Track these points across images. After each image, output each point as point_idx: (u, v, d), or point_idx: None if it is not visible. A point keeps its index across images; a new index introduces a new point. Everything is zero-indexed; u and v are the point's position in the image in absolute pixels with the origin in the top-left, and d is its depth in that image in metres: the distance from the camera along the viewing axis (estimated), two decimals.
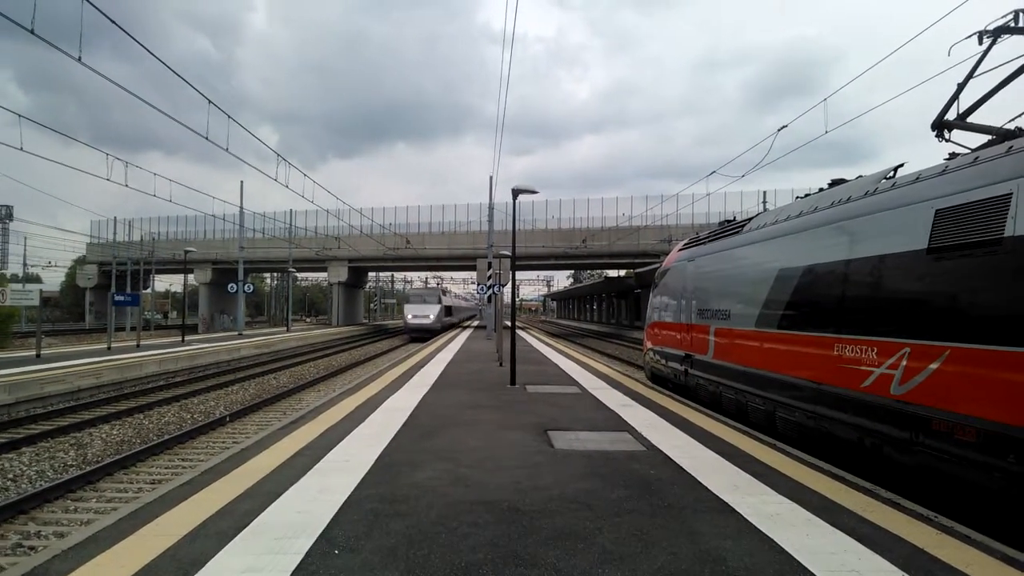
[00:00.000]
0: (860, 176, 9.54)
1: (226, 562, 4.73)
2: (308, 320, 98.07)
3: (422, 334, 48.81)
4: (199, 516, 5.73)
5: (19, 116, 13.18)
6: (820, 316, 8.84)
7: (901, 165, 8.35)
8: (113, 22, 8.77)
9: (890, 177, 8.32)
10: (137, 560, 4.72)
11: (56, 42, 8.68)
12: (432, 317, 50.57)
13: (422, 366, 20.75)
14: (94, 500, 9.00)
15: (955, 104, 8.28)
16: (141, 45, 9.52)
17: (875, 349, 7.52)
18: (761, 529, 5.50)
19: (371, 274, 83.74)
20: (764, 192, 45.60)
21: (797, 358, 9.34)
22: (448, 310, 60.67)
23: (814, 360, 8.82)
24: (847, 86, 13.12)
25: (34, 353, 24.02)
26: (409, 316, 51.32)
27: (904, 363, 6.98)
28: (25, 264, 62.66)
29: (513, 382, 15.63)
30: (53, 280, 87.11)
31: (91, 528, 5.49)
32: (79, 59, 8.87)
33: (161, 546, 5.00)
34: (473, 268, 58.24)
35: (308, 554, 4.88)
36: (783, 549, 5.04)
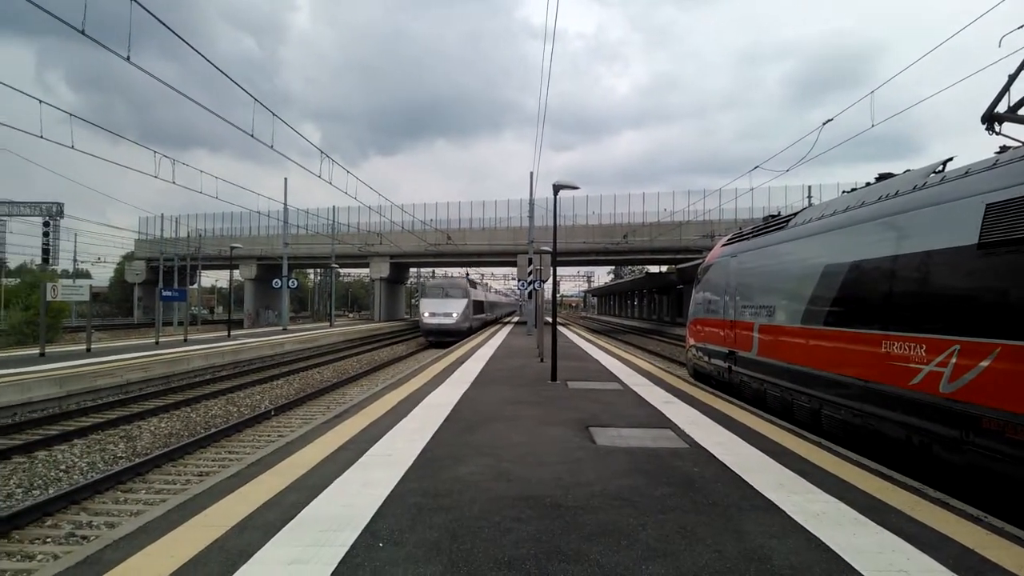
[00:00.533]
0: (908, 170, 9.35)
1: (273, 554, 4.83)
2: (351, 315, 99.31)
3: (443, 337, 38.20)
4: (246, 508, 5.87)
5: (70, 115, 13.53)
6: (867, 313, 8.69)
7: (950, 159, 8.17)
8: (161, 22, 8.97)
9: (939, 171, 8.15)
10: (186, 550, 4.85)
11: (105, 42, 8.90)
12: (456, 315, 39.22)
13: (463, 362, 20.87)
14: (143, 491, 9.26)
15: (1006, 96, 8.06)
16: (189, 45, 9.73)
17: (924, 346, 7.37)
18: (807, 527, 5.45)
19: (412, 270, 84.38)
20: (809, 187, 44.77)
21: (843, 355, 9.19)
22: (478, 306, 48.75)
23: (861, 357, 8.67)
24: (894, 79, 12.85)
25: (84, 347, 24.77)
26: (426, 314, 40.03)
27: (953, 360, 6.83)
28: (75, 260, 64.39)
29: (554, 378, 15.63)
30: (102, 276, 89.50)
31: (141, 519, 5.64)
32: (127, 58, 9.09)
33: (209, 537, 5.13)
34: (514, 264, 58.37)
35: (353, 547, 4.96)
36: (829, 548, 4.99)
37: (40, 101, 12.17)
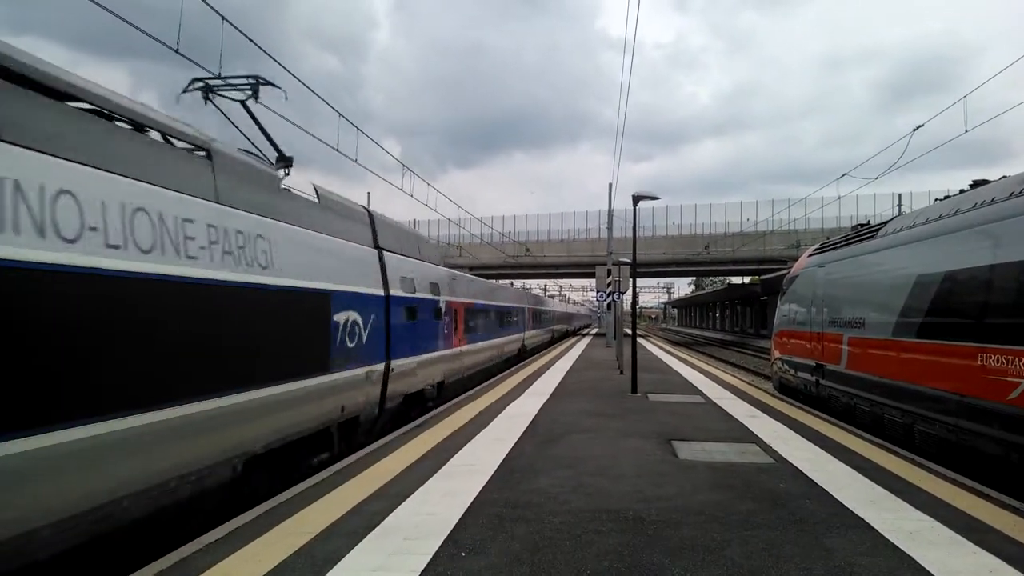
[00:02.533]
0: (1004, 176, 8.96)
1: (357, 561, 4.99)
2: None
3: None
4: (331, 515, 6.08)
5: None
6: (962, 324, 8.38)
7: None
8: (252, 41, 9.43)
9: None
10: (274, 556, 5.06)
11: (195, 62, 9.32)
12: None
13: (541, 374, 20.97)
14: None
15: None
16: (278, 63, 10.16)
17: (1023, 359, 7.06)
18: (899, 546, 5.31)
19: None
20: (899, 195, 43.07)
21: (937, 369, 8.87)
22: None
23: (956, 371, 8.35)
24: (987, 83, 12.35)
25: None
26: None
27: None
28: None
29: (635, 390, 15.54)
30: None
31: (231, 524, 5.88)
32: (219, 76, 9.57)
33: (296, 543, 5.34)
34: (592, 275, 58.18)
35: (436, 555, 5.08)
36: (923, 568, 4.86)
37: None
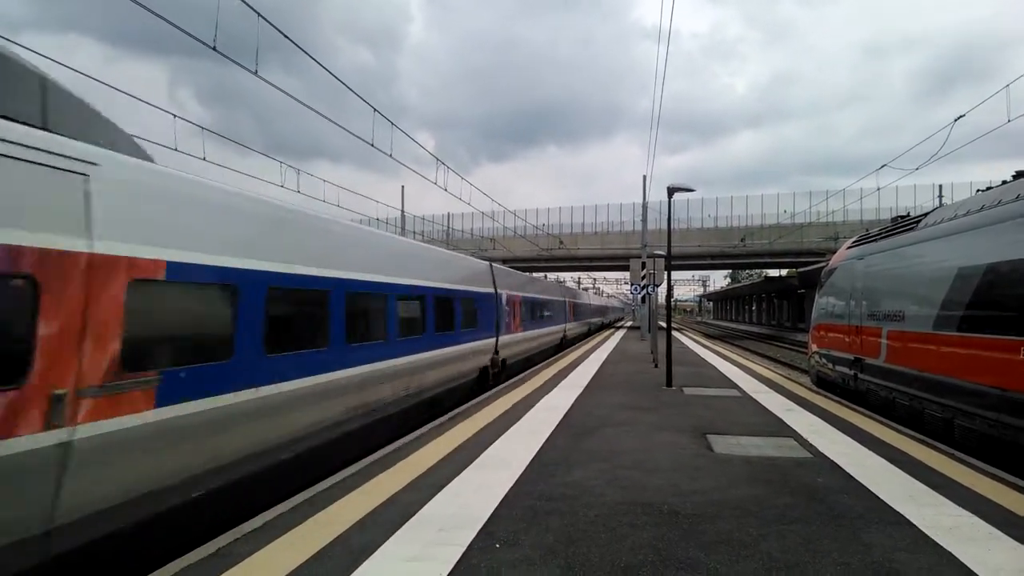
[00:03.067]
0: None
1: (393, 551, 5.08)
2: None
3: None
4: (367, 506, 6.19)
5: (202, 128, 14.35)
6: (1006, 317, 8.23)
7: None
8: (287, 37, 9.55)
9: None
10: (311, 545, 5.17)
11: (231, 58, 9.48)
12: None
13: (575, 367, 20.98)
14: None
15: None
16: (313, 59, 10.28)
17: None
18: (939, 542, 5.27)
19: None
20: (940, 186, 42.09)
21: (979, 363, 8.72)
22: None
23: (999, 365, 8.21)
24: None
25: None
26: None
27: None
28: None
29: (669, 384, 15.51)
30: None
31: (269, 513, 6.01)
32: (255, 73, 9.69)
33: (333, 532, 5.46)
34: (626, 268, 57.92)
35: (470, 547, 5.15)
36: (963, 564, 4.83)
37: (175, 116, 13.02)
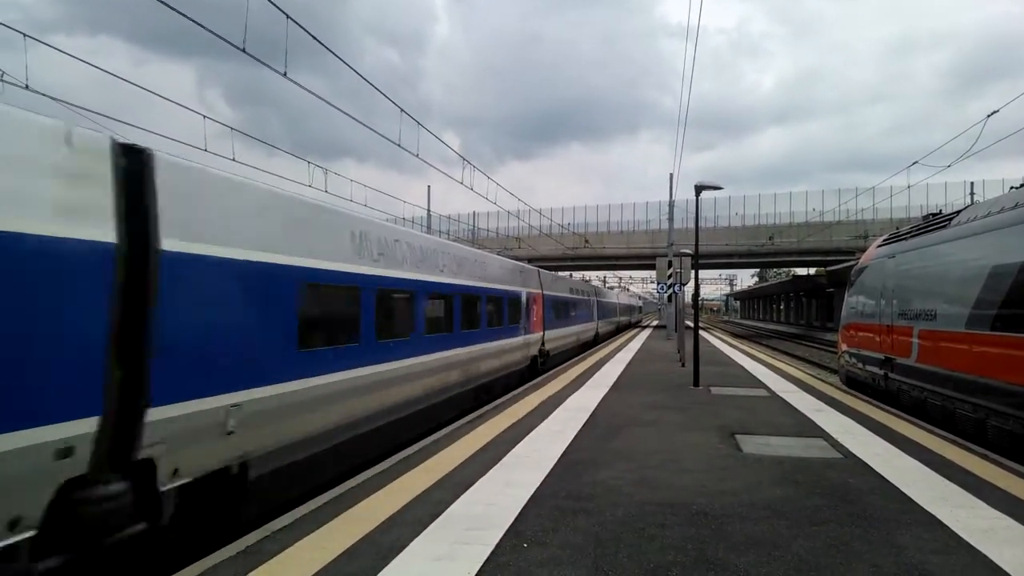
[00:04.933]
0: None
1: (421, 549, 5.10)
2: None
3: None
4: (395, 504, 6.22)
5: (231, 129, 14.49)
6: None
7: None
8: (315, 39, 9.63)
9: None
10: (339, 543, 5.20)
11: (259, 59, 9.58)
12: None
13: (601, 365, 20.95)
14: None
15: None
16: (341, 59, 10.34)
17: None
18: (973, 544, 5.21)
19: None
20: (971, 183, 41.33)
21: (1014, 362, 8.59)
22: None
23: None
24: None
25: None
26: None
27: None
28: None
29: (696, 383, 15.44)
30: None
31: (298, 512, 6.06)
32: (284, 74, 9.78)
33: (361, 531, 5.49)
34: (652, 267, 57.61)
35: (498, 546, 5.16)
36: (999, 567, 4.76)
37: (204, 116, 13.18)
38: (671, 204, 34.41)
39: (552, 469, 7.56)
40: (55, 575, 4.52)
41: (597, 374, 18.19)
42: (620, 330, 53.32)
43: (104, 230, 4.83)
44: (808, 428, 10.21)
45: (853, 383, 16.32)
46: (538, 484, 6.92)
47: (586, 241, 56.14)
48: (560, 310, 24.84)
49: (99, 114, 10.68)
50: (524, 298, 18.82)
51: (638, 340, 36.75)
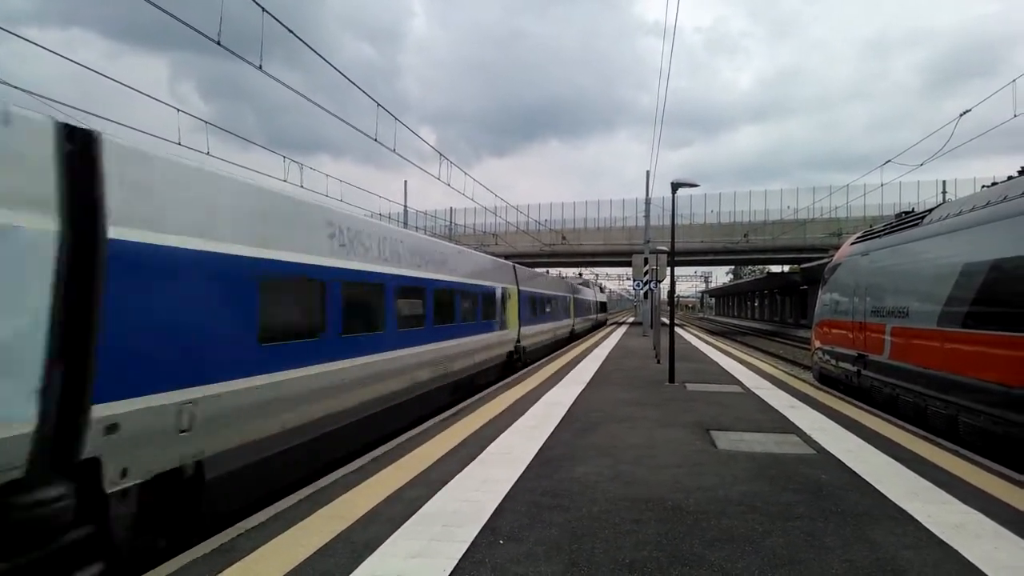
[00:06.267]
0: None
1: (396, 547, 5.05)
2: None
3: None
4: (370, 502, 6.17)
5: (205, 123, 14.34)
6: (1011, 314, 8.20)
7: None
8: (292, 32, 9.51)
9: None
10: (314, 541, 5.14)
11: (233, 53, 9.43)
12: None
13: (578, 362, 20.96)
14: None
15: None
16: (318, 54, 10.25)
17: None
18: (944, 540, 5.24)
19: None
20: (943, 182, 41.94)
21: (984, 359, 8.69)
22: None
23: (1003, 361, 8.18)
24: None
25: None
26: None
27: None
28: None
29: (672, 380, 15.47)
30: None
31: (272, 509, 5.98)
32: (260, 67, 9.65)
33: (336, 528, 5.43)
34: (629, 264, 57.93)
35: (474, 543, 5.13)
36: (969, 562, 4.80)
37: (178, 110, 13.03)
38: (647, 201, 34.51)
39: (528, 465, 7.53)
40: None
41: (573, 371, 18.19)
42: (597, 327, 53.50)
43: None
44: (782, 424, 10.26)
45: (826, 380, 16.47)
46: (514, 481, 6.89)
47: (564, 238, 56.22)
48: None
49: (73, 108, 10.43)
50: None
51: (614, 337, 36.84)
